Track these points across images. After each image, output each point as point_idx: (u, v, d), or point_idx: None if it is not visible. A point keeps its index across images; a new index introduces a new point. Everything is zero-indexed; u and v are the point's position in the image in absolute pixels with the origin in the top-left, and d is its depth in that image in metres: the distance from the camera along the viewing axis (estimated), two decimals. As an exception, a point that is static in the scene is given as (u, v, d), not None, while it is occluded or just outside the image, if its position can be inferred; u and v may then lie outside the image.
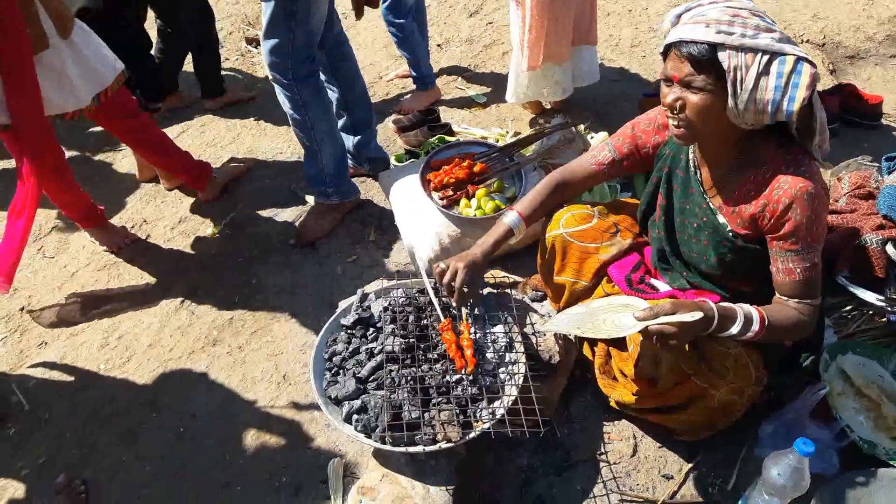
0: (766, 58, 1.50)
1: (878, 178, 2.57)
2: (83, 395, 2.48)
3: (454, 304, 2.06)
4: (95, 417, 2.39)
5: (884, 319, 2.25)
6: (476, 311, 2.18)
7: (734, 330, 1.64)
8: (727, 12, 1.53)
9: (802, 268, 1.66)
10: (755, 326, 1.64)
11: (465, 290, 1.98)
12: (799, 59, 1.50)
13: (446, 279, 1.98)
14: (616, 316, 1.70)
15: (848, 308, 2.32)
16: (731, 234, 1.76)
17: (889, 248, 2.24)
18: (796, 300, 1.69)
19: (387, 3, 3.55)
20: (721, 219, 1.78)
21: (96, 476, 2.21)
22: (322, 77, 2.85)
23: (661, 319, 1.58)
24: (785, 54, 1.50)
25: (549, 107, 3.67)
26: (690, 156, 1.85)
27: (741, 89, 1.51)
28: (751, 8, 1.55)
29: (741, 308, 1.66)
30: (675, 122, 1.65)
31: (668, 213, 1.94)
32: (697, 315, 1.56)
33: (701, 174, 1.82)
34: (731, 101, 1.53)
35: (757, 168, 1.68)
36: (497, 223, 2.10)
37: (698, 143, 1.78)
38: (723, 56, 1.51)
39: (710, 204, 1.80)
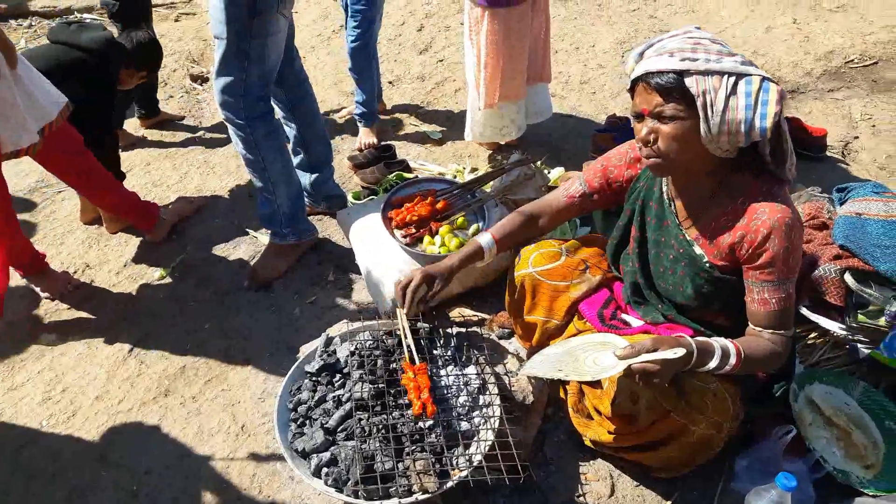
0: (732, 79, 1.52)
1: (830, 209, 2.62)
2: (25, 453, 2.30)
3: (405, 311, 2.03)
4: (40, 477, 2.22)
5: (846, 347, 2.28)
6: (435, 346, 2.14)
7: (712, 364, 1.62)
8: (689, 41, 1.56)
9: (777, 298, 1.66)
10: (732, 360, 1.63)
11: (415, 296, 1.98)
12: (764, 79, 1.53)
13: (401, 284, 1.99)
14: (596, 355, 1.66)
15: (812, 336, 2.35)
16: (708, 265, 1.75)
17: (847, 277, 2.27)
18: (770, 331, 1.69)
19: (356, 44, 3.51)
20: (698, 250, 1.77)
21: (41, 542, 2.05)
22: (280, 114, 2.77)
23: (642, 357, 1.55)
24: (750, 75, 1.53)
25: (503, 142, 3.68)
26: (664, 188, 1.84)
27: (712, 112, 1.52)
28: (710, 37, 1.59)
29: (717, 342, 1.65)
30: (649, 154, 1.64)
31: (642, 245, 1.93)
32: (680, 352, 1.54)
33: (675, 206, 1.82)
34: (703, 126, 1.54)
35: (731, 199, 1.68)
36: (470, 241, 2.10)
37: (672, 175, 1.78)
38: (690, 82, 1.52)
39: (686, 235, 1.79)
